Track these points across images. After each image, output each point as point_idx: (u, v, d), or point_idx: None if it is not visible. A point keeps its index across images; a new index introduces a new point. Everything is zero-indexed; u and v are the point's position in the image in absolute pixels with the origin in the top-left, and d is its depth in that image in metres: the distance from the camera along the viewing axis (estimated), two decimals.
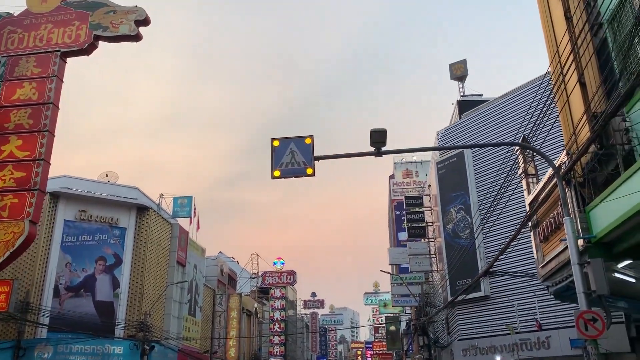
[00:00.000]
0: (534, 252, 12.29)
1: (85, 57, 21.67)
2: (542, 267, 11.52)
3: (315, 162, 9.65)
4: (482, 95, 44.00)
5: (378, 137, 9.15)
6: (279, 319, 61.83)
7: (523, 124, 13.59)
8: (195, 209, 43.82)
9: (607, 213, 8.71)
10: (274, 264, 65.94)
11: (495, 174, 19.72)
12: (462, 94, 51.20)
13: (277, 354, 60.65)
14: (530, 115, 12.53)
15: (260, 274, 65.64)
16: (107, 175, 36.96)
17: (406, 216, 32.60)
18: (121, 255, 34.41)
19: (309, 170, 9.52)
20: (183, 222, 41.98)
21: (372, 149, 9.51)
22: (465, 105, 33.72)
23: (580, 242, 9.35)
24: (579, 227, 9.38)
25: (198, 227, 45.04)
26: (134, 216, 35.50)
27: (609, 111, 8.36)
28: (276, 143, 9.65)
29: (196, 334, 42.11)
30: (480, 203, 24.89)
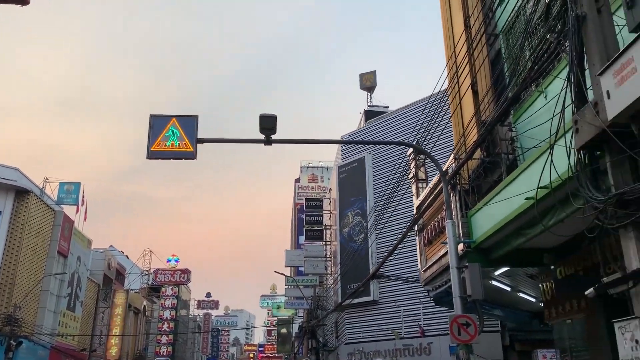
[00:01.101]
0: (418, 256, 12.34)
1: None
2: (425, 270, 11.57)
3: (198, 145, 8.94)
4: (388, 107, 45.14)
5: (267, 123, 8.62)
6: (169, 318, 59.43)
7: (418, 130, 13.64)
8: (84, 196, 40.94)
9: (487, 219, 8.78)
10: (168, 260, 63.38)
11: (391, 180, 19.93)
12: (369, 104, 52.12)
13: (164, 354, 58.19)
14: (425, 122, 12.65)
15: (152, 270, 62.78)
16: None
17: (305, 218, 32.42)
18: None
19: (189, 152, 8.78)
20: (69, 211, 39.08)
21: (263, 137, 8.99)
22: (372, 115, 34.28)
23: (461, 246, 9.39)
24: (461, 231, 9.42)
25: (85, 217, 42.10)
26: (11, 199, 32.37)
27: (496, 115, 8.42)
28: (155, 119, 8.83)
29: (74, 330, 39.18)
30: (375, 208, 25.20)
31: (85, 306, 41.78)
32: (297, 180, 71.33)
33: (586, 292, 5.83)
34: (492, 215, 8.54)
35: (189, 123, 9.01)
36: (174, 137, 8.84)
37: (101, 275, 46.62)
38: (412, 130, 26.05)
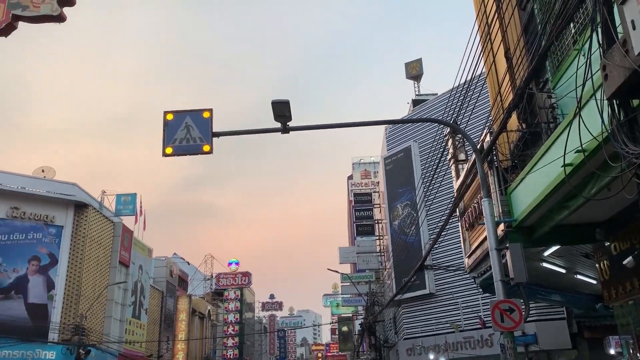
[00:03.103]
0: (462, 242, 11.59)
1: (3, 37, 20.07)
2: (468, 256, 10.82)
3: (214, 139, 8.65)
4: (437, 94, 43.91)
5: (281, 110, 8.21)
6: (234, 321, 60.31)
7: (459, 109, 12.86)
8: (141, 207, 42.07)
9: (526, 194, 8.00)
10: (229, 263, 64.40)
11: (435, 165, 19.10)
12: (417, 93, 50.94)
13: (231, 357, 59.12)
14: (465, 101, 11.86)
15: (214, 275, 63.97)
16: (43, 171, 34.95)
17: (354, 214, 31.87)
18: (57, 254, 32.45)
19: (206, 147, 8.48)
20: (128, 221, 40.22)
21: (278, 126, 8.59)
22: (420, 104, 33.32)
23: (501, 227, 8.63)
24: (500, 210, 8.66)
25: (144, 226, 43.25)
26: (71, 214, 33.59)
27: (529, 71, 7.62)
28: (169, 117, 8.60)
29: (141, 337, 40.29)
30: (425, 198, 24.34)
31: (150, 313, 42.90)
32: (350, 178, 70.87)
33: None
34: (531, 189, 7.75)
35: (204, 118, 8.75)
36: (189, 133, 8.60)
37: (164, 283, 47.81)
38: (456, 112, 25.12)
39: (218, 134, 8.74)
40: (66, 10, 11.71)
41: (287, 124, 8.54)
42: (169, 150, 8.52)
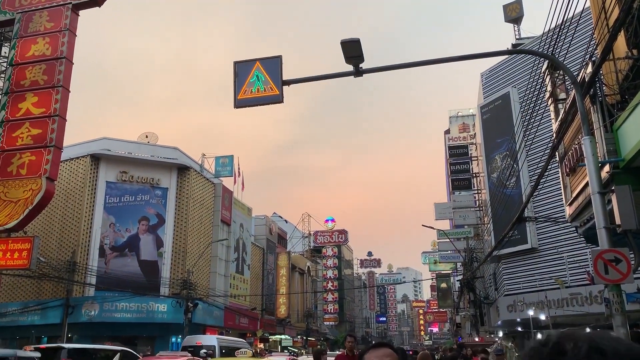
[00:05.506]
0: (562, 188, 10.50)
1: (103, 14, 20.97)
2: (569, 204, 9.77)
3: (284, 87, 8.31)
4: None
5: (352, 50, 7.66)
6: (332, 277, 61.59)
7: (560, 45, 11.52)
8: (239, 168, 43.47)
9: (636, 128, 6.90)
10: (326, 220, 65.40)
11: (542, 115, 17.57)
12: (517, 37, 47.47)
13: (332, 311, 60.67)
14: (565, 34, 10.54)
15: (312, 233, 65.38)
16: (147, 137, 36.96)
17: (450, 168, 30.62)
18: (164, 215, 34.58)
19: (276, 95, 8.18)
20: (228, 183, 41.83)
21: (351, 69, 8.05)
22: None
23: (607, 168, 7.58)
24: (605, 149, 7.60)
25: (243, 187, 44.77)
26: (175, 176, 35.45)
27: None
28: (239, 66, 8.37)
29: (245, 292, 42.31)
30: (527, 148, 22.67)
31: (252, 269, 44.82)
32: (447, 132, 68.53)
33: None
34: None
35: (274, 65, 8.41)
36: (259, 82, 8.32)
37: (264, 240, 49.61)
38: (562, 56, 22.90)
39: (288, 82, 8.39)
40: None
41: (360, 66, 7.99)
42: (239, 100, 8.32)
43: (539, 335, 21.99)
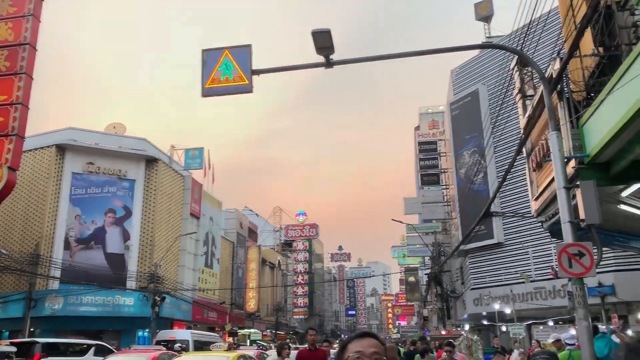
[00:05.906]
0: (528, 184, 10.66)
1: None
2: (536, 199, 9.92)
3: (254, 77, 8.18)
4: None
5: (323, 41, 7.58)
6: (303, 271, 61.65)
7: (529, 41, 11.64)
8: (209, 161, 42.98)
9: (601, 125, 7.02)
10: (298, 214, 65.34)
11: (504, 107, 17.80)
12: (487, 35, 48.02)
13: (301, 305, 60.74)
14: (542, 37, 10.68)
15: (283, 227, 65.25)
16: (114, 127, 36.20)
17: (419, 163, 30.89)
18: (131, 207, 33.94)
19: (245, 85, 8.05)
20: (198, 176, 41.29)
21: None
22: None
23: (572, 164, 7.70)
24: (571, 145, 7.72)
25: (213, 180, 44.30)
26: (142, 168, 34.80)
27: None
28: (207, 54, 8.21)
29: (214, 286, 41.94)
30: (495, 144, 22.99)
31: (221, 263, 44.44)
32: (417, 128, 69.01)
33: None
34: (607, 119, 6.78)
35: (243, 54, 8.25)
36: (227, 70, 8.17)
37: (234, 234, 49.24)
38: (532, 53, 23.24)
39: (258, 72, 8.25)
40: None
41: (330, 57, 7.91)
42: (207, 89, 8.14)
43: (504, 328, 22.42)
